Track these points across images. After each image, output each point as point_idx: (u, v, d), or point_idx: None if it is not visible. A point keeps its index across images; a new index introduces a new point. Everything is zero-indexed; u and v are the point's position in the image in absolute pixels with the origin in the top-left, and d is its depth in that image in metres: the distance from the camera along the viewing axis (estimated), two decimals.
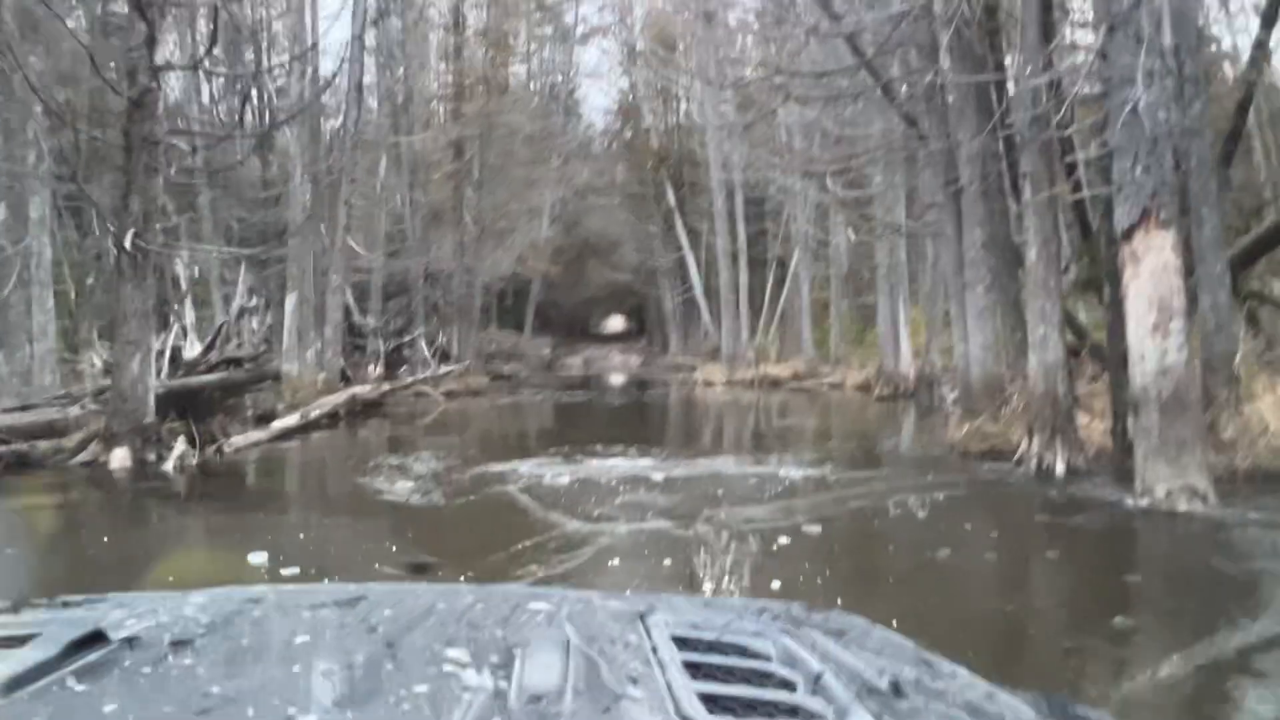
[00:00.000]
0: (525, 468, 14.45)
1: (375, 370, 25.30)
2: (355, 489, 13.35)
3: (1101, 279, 13.25)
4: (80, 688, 1.01)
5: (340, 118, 25.48)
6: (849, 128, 22.81)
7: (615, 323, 64.68)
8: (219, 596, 1.36)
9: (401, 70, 27.43)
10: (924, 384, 25.00)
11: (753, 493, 12.10)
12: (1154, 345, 9.57)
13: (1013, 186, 14.46)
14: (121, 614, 1.25)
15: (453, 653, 1.11)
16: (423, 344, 26.89)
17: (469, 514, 11.40)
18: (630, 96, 47.17)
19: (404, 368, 26.19)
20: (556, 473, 13.71)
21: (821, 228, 32.11)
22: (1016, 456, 12.42)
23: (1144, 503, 9.76)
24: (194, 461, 14.35)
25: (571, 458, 15.21)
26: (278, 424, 18.33)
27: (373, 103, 29.66)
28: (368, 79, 26.86)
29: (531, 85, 47.95)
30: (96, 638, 1.12)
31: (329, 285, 23.09)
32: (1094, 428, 13.27)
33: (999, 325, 14.32)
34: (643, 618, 1.28)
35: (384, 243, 28.34)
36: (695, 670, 1.09)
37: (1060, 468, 11.87)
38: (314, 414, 20.04)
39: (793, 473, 13.59)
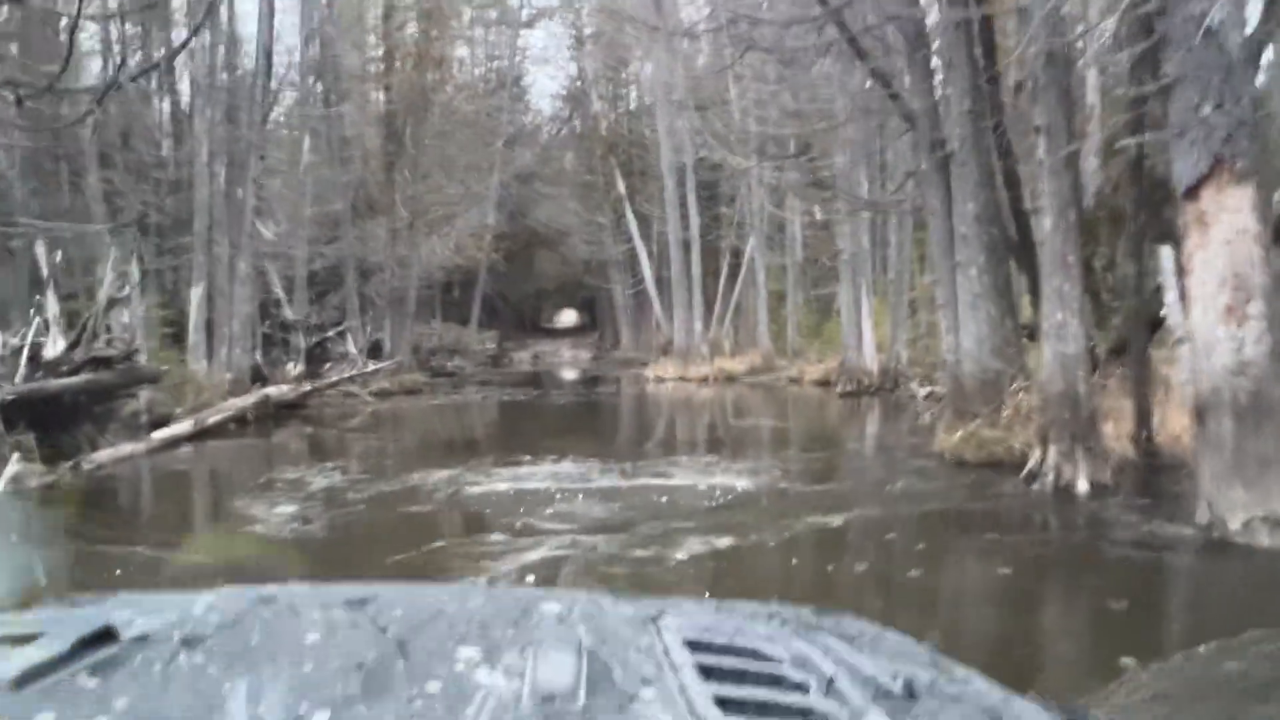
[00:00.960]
0: (444, 480, 11.96)
1: (295, 368, 22.50)
2: (224, 515, 10.76)
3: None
4: (91, 684, 0.99)
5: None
6: (808, 102, 20.49)
7: (566, 317, 62.06)
8: (229, 596, 1.30)
9: (316, 32, 24.60)
10: (889, 379, 22.76)
11: (701, 509, 9.71)
12: (1226, 334, 7.24)
13: (1003, 150, 12.15)
14: (129, 612, 1.20)
15: (465, 652, 1.08)
16: (349, 339, 24.08)
17: (349, 548, 8.89)
18: (579, 82, 44.41)
19: (328, 365, 23.38)
20: (479, 487, 11.26)
21: (777, 213, 29.75)
22: (1027, 470, 10.07)
23: (1214, 535, 7.43)
24: (37, 483, 11.61)
25: (501, 466, 12.83)
26: (161, 433, 15.59)
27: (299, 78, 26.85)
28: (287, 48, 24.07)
29: (475, 70, 45.25)
30: (106, 635, 1.09)
31: (235, 274, 20.27)
32: (1107, 433, 10.98)
33: (994, 312, 11.98)
34: (654, 621, 1.25)
35: (308, 227, 25.52)
36: (708, 673, 1.07)
37: (1083, 485, 9.55)
38: (212, 420, 17.29)
39: (747, 484, 11.19)
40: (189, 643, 1.10)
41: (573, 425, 20.07)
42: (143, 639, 1.10)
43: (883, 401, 21.46)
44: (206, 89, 20.85)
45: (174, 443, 16.02)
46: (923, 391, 20.06)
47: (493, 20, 45.04)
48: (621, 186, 40.42)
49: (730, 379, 29.34)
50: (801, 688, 1.06)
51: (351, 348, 23.92)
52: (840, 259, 22.54)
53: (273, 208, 27.46)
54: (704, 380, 29.42)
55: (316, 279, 29.32)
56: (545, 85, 62.47)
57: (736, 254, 33.81)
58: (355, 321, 26.04)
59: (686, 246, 32.27)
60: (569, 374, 39.07)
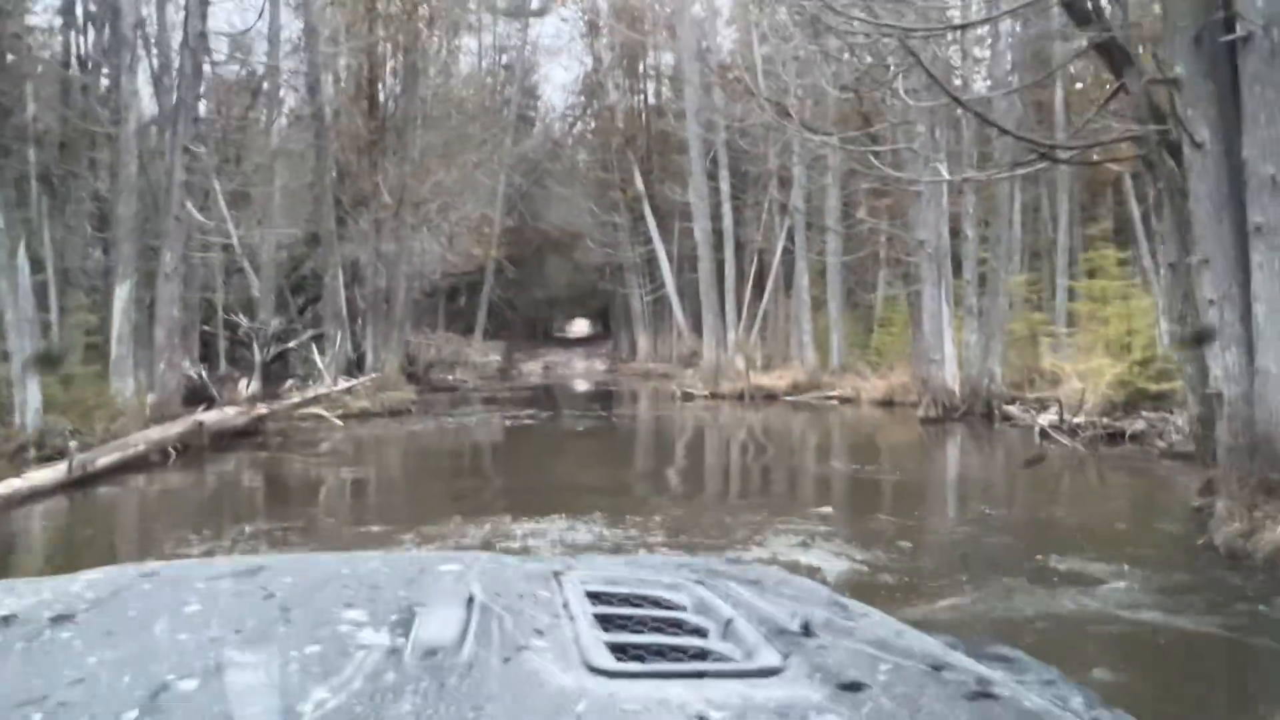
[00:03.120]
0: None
1: (248, 386, 17.40)
2: None
3: None
4: None
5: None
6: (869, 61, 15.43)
7: (579, 325, 56.98)
8: (109, 574, 1.20)
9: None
10: (978, 401, 17.56)
11: None
12: None
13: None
14: (3, 596, 1.11)
15: (351, 614, 1.01)
16: (316, 350, 18.93)
17: None
18: (594, 72, 39.31)
19: (289, 383, 18.27)
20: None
21: (818, 197, 24.61)
22: None
23: None
24: None
25: (497, 531, 8.05)
26: (11, 485, 10.52)
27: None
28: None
29: (482, 64, 40.28)
30: None
31: (161, 268, 15.20)
32: None
33: None
34: (557, 575, 1.21)
35: (277, 217, 20.48)
36: (608, 622, 1.04)
37: None
38: (103, 461, 12.22)
39: (883, 575, 6.13)
40: (59, 619, 1.02)
41: (594, 460, 14.96)
42: (9, 619, 1.02)
43: (983, 432, 16.30)
44: (132, 37, 15.82)
45: (43, 493, 11.01)
46: (1043, 419, 14.87)
47: (500, 9, 40.01)
48: (640, 182, 35.38)
49: (769, 397, 24.20)
50: (700, 632, 1.04)
51: (318, 361, 18.76)
52: (923, 252, 17.36)
53: (241, 199, 22.53)
54: (739, 398, 24.29)
55: (306, 284, 24.38)
56: (557, 77, 57.32)
57: (762, 255, 28.78)
58: (334, 329, 20.91)
59: (718, 242, 27.12)
60: (583, 388, 33.95)
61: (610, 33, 36.94)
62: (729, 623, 1.05)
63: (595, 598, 1.12)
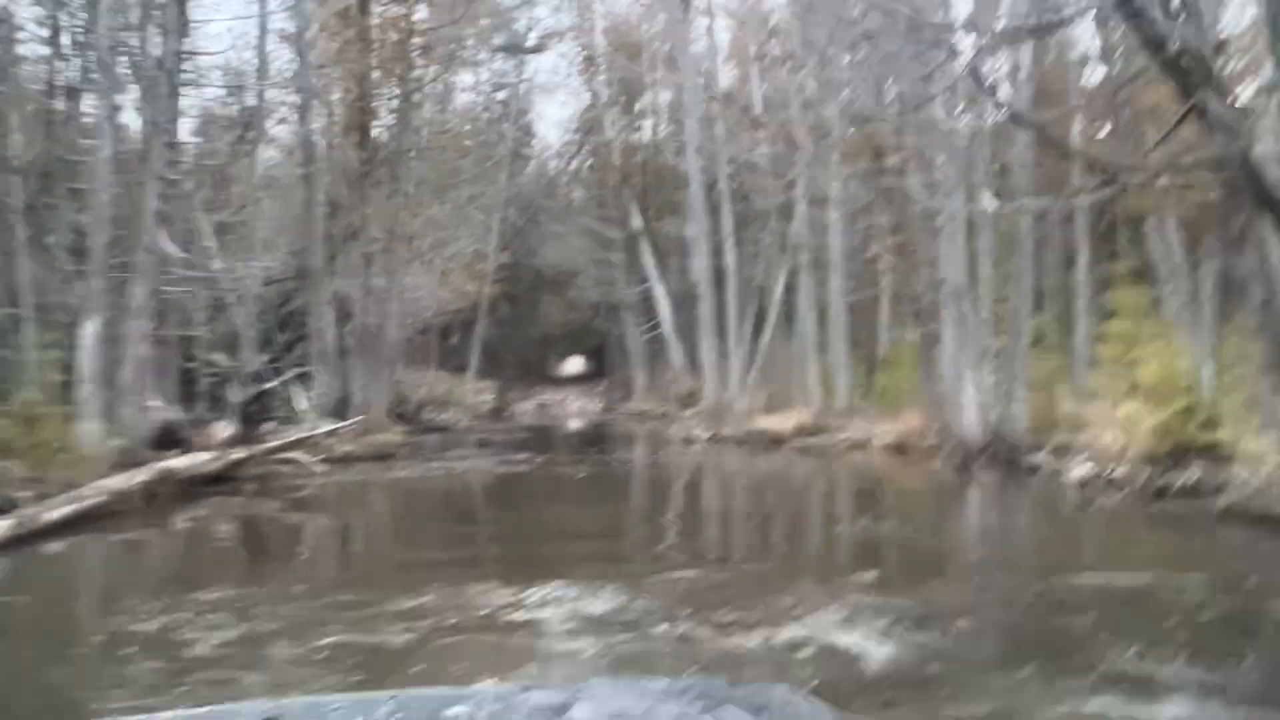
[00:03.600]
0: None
1: (225, 430, 16.13)
2: None
3: None
4: None
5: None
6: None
7: (573, 364, 55.72)
8: None
9: None
10: (1001, 447, 16.41)
11: None
12: None
13: None
14: None
15: None
16: (299, 392, 17.67)
17: None
18: (591, 108, 38.42)
19: (268, 426, 17.00)
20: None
21: (820, 234, 23.58)
22: None
23: None
24: None
25: (487, 606, 6.78)
26: None
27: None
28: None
29: (479, 100, 39.39)
30: None
31: (130, 304, 13.99)
32: None
33: None
34: (564, 710, 1.21)
35: (262, 251, 19.33)
36: None
37: None
38: (54, 514, 10.94)
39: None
40: None
41: (598, 514, 13.69)
42: None
43: (1011, 483, 15.11)
44: (110, 60, 14.76)
45: None
46: (1079, 470, 13.70)
47: (497, 46, 39.19)
48: (637, 219, 34.41)
49: (775, 441, 22.99)
50: None
51: (302, 402, 17.50)
52: (943, 291, 16.26)
53: (228, 230, 21.41)
54: (742, 443, 23.07)
55: (294, 320, 23.17)
56: (553, 114, 56.48)
57: (761, 295, 27.70)
58: (318, 368, 19.70)
59: (719, 281, 26.03)
60: (579, 430, 32.69)
61: (608, 69, 36.12)
62: None
63: None
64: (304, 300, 20.96)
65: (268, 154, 29.85)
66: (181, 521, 13.23)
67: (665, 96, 37.35)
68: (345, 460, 18.86)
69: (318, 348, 20.23)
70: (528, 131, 41.51)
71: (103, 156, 14.95)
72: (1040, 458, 15.90)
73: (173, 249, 14.41)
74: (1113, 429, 15.41)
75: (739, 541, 11.37)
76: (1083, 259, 19.34)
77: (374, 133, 21.84)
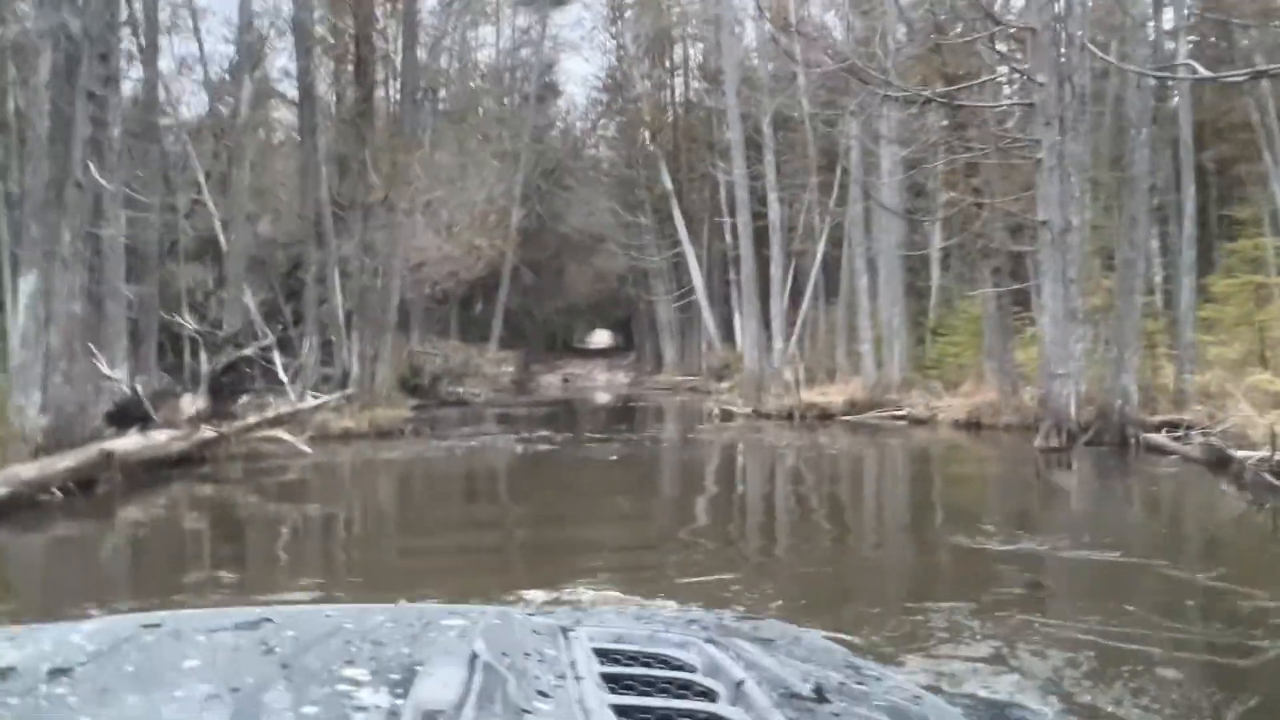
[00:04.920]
0: None
1: (194, 404, 13.38)
2: None
3: None
4: None
5: None
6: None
7: (600, 336, 52.93)
8: (113, 624, 1.15)
9: None
10: (1109, 426, 13.39)
11: None
12: None
13: None
14: (3, 645, 1.04)
15: (350, 672, 0.94)
16: (278, 361, 14.82)
17: None
18: (618, 62, 35.27)
19: (245, 398, 14.24)
20: None
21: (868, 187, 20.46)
22: None
23: None
24: None
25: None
26: None
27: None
28: None
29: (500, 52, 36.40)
30: None
31: (58, 252, 11.18)
32: None
33: None
34: (565, 631, 1.13)
35: (245, 198, 16.54)
36: (615, 682, 0.97)
37: None
38: None
39: None
40: (56, 673, 0.95)
41: (632, 504, 10.82)
42: (5, 672, 0.96)
43: (1134, 468, 12.07)
44: None
45: None
46: (1253, 457, 10.54)
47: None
48: (668, 180, 31.37)
49: (824, 416, 20.04)
50: (710, 695, 0.97)
51: (282, 373, 14.68)
52: (1042, 239, 13.16)
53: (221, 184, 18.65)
54: (788, 418, 20.14)
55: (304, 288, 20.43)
56: (579, 70, 52.85)
57: (800, 258, 24.62)
58: (312, 334, 16.94)
59: (761, 239, 23.02)
60: (606, 404, 29.84)
61: (637, 20, 32.98)
62: (739, 685, 0.98)
63: (603, 655, 1.04)
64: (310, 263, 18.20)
65: (278, 113, 27.27)
66: (127, 515, 10.55)
67: (695, 53, 34.36)
68: (344, 437, 16.14)
69: (313, 312, 17.45)
70: (552, 90, 38.51)
71: (38, 79, 12.15)
72: (1160, 437, 12.88)
73: (103, 182, 11.55)
74: (1245, 401, 12.41)
75: (819, 543, 8.39)
76: (1189, 206, 16.18)
77: (378, 74, 18.93)
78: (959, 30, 15.61)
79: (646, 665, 1.05)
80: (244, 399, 14.02)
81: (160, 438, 12.32)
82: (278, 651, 1.01)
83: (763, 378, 22.21)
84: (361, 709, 0.86)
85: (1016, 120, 15.66)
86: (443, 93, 29.89)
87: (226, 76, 19.87)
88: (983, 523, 8.28)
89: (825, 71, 15.73)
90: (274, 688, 0.91)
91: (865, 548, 8.14)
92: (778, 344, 22.18)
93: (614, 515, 10.02)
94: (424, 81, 26.38)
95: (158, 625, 1.11)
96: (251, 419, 13.69)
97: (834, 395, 20.98)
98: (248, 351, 14.15)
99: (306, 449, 13.70)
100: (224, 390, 13.89)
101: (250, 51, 17.86)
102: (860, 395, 20.51)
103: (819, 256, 24.37)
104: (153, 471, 12.06)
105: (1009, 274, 17.19)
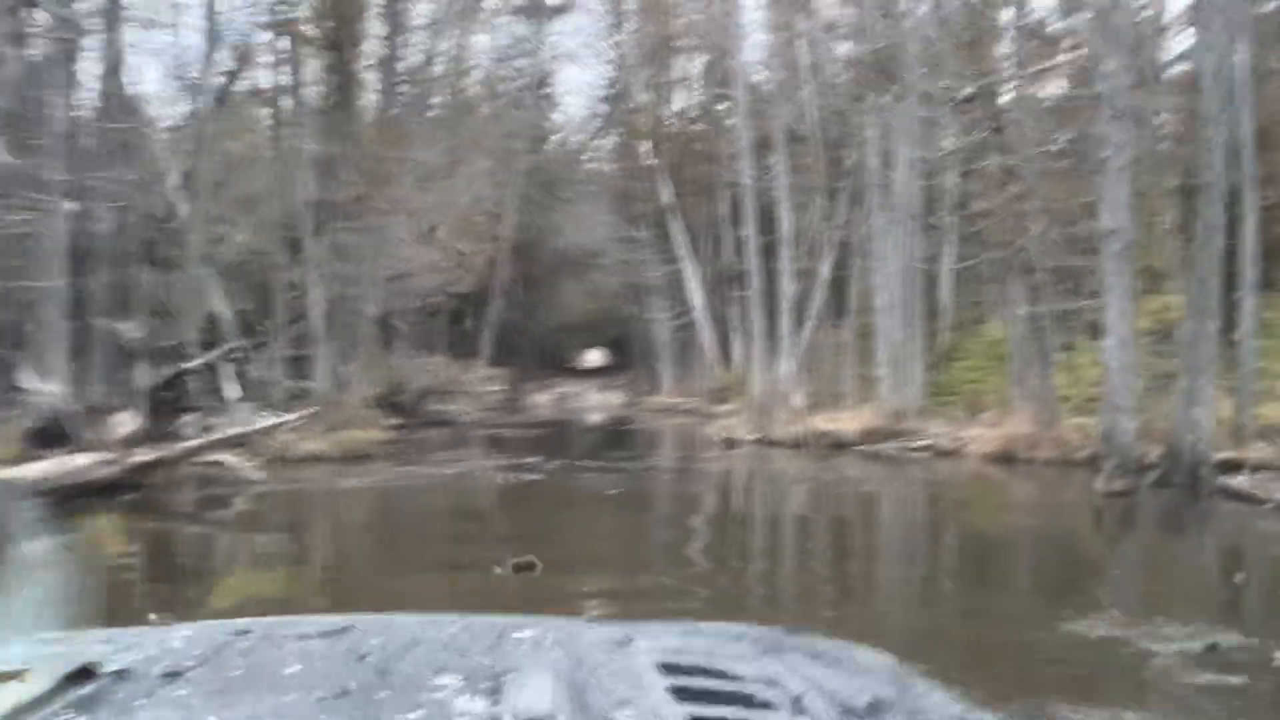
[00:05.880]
0: None
1: (130, 422, 11.34)
2: None
3: None
4: None
5: None
6: None
7: (594, 356, 50.90)
8: (205, 629, 1.20)
9: None
10: (1178, 468, 11.45)
11: None
12: None
13: None
14: (107, 648, 1.08)
15: (443, 680, 0.98)
16: (228, 374, 12.78)
17: None
18: (616, 71, 33.47)
19: (189, 416, 12.18)
20: None
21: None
22: None
23: None
24: None
25: None
26: None
27: None
28: None
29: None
30: (86, 672, 0.97)
31: None
32: None
33: None
34: (625, 644, 1.15)
35: (209, 195, 14.55)
36: (681, 694, 0.98)
37: None
38: None
39: None
40: (169, 676, 0.99)
41: (639, 553, 8.79)
42: (123, 674, 0.99)
43: (1225, 516, 10.12)
44: None
45: None
46: None
47: (517, 7, 34.28)
48: (666, 193, 29.52)
49: (837, 445, 18.05)
50: (770, 706, 0.98)
51: (230, 390, 12.64)
52: (1107, 248, 11.26)
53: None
54: (798, 446, 18.14)
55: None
56: (576, 78, 50.41)
57: (802, 276, 22.68)
58: (278, 345, 14.93)
59: (769, 253, 21.11)
60: (601, 426, 27.85)
61: (639, 28, 31.22)
62: (798, 699, 0.99)
63: (665, 668, 1.05)
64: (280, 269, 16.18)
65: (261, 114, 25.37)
66: (23, 554, 8.45)
67: (698, 64, 32.59)
68: (308, 461, 14.10)
69: (281, 322, 15.45)
70: (549, 101, 36.69)
71: None
72: (1241, 481, 10.94)
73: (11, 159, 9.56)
74: None
75: (925, 645, 6.35)
76: (1253, 214, 14.30)
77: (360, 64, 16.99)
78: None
79: (706, 677, 1.04)
80: (188, 417, 11.95)
81: (80, 462, 10.28)
82: (370, 658, 1.03)
83: (771, 402, 20.21)
84: (462, 715, 0.88)
85: (1060, 120, 13.82)
86: (435, 99, 28.14)
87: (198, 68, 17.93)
88: (1092, 598, 6.28)
89: (849, 64, 13.76)
90: (377, 693, 0.93)
91: (965, 636, 6.03)
92: (786, 366, 20.15)
93: (621, 574, 7.98)
94: (415, 88, 24.62)
95: (248, 631, 1.13)
96: (194, 441, 11.63)
97: (846, 422, 18.98)
98: (193, 365, 12.09)
99: (256, 475, 11.65)
100: (166, 407, 11.84)
101: (217, 37, 15.91)
102: (876, 423, 18.54)
103: (825, 273, 22.49)
104: (69, 502, 10.01)
105: (1046, 292, 15.30)
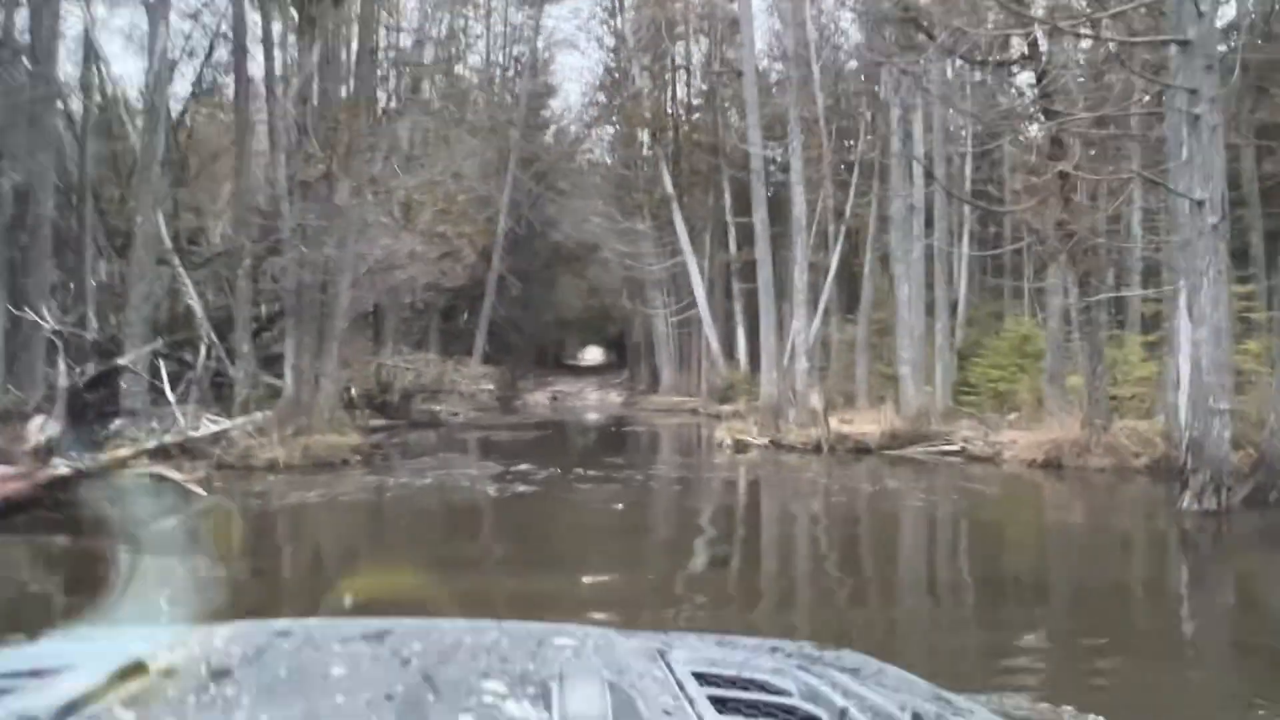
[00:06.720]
0: None
1: (46, 429, 9.41)
2: None
3: None
4: (127, 717, 0.88)
5: None
6: None
7: (591, 353, 49.01)
8: (244, 629, 1.15)
9: None
10: (1274, 481, 9.58)
11: None
12: None
13: None
14: (152, 645, 1.05)
15: (489, 684, 0.96)
16: (163, 374, 10.84)
17: None
18: (616, 55, 31.56)
19: (118, 421, 10.26)
20: None
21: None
22: None
23: None
24: None
25: None
26: None
27: None
28: None
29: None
30: (137, 668, 0.97)
31: None
32: None
33: None
34: (662, 654, 1.11)
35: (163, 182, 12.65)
36: (721, 705, 0.96)
37: None
38: None
39: None
40: (218, 674, 0.97)
41: (645, 587, 6.91)
42: (171, 671, 0.98)
43: None
44: None
45: None
46: None
47: None
48: (669, 183, 27.65)
49: (858, 449, 16.16)
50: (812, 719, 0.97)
51: (168, 390, 10.71)
52: (1197, 223, 9.39)
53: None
54: (815, 450, 16.25)
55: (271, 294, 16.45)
56: (574, 63, 48.07)
57: (811, 267, 20.73)
58: (241, 341, 13.03)
59: (775, 243, 19.21)
60: (599, 427, 25.94)
61: (638, 10, 29.30)
62: (843, 713, 0.96)
63: (702, 679, 1.02)
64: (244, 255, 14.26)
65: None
66: None
67: (699, 50, 30.71)
68: (268, 470, 12.19)
69: (244, 314, 13.56)
70: (546, 89, 34.76)
71: None
72: None
73: None
74: None
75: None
76: None
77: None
78: None
79: (745, 689, 1.02)
80: (118, 422, 10.03)
81: None
82: (415, 662, 1.01)
83: (781, 402, 18.32)
84: None
85: (1116, 86, 11.93)
86: (427, 86, 26.28)
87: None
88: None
89: (878, 19, 11.89)
90: (426, 697, 0.92)
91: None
92: (800, 364, 18.26)
93: (630, 603, 6.12)
94: (407, 78, 22.72)
95: (289, 633, 1.12)
96: (124, 451, 9.72)
97: (864, 424, 17.12)
98: (125, 361, 10.16)
99: (197, 489, 9.75)
100: (91, 410, 9.93)
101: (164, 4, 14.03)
102: (899, 425, 16.68)
103: (834, 263, 20.61)
104: None
105: (1091, 280, 13.44)
